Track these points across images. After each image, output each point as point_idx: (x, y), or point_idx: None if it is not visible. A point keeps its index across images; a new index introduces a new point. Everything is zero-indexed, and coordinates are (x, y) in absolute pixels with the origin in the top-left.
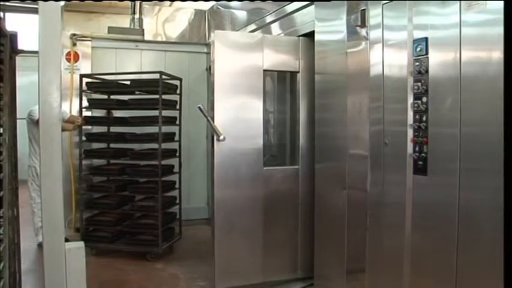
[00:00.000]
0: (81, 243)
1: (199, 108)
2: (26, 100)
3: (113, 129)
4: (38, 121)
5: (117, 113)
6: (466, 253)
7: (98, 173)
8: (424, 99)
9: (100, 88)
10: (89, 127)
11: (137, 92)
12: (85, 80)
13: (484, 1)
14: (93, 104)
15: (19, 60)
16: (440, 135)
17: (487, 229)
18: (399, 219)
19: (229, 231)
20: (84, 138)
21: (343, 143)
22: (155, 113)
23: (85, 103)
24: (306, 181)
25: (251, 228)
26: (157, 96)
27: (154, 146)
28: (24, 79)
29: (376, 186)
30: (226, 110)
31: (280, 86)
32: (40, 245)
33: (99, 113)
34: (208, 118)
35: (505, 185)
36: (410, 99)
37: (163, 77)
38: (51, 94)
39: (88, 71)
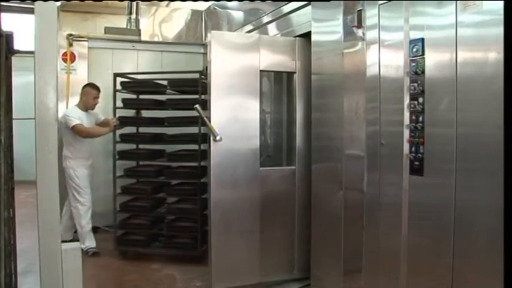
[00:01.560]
0: (77, 244)
1: (195, 108)
2: (22, 101)
3: (143, 129)
4: (73, 127)
5: (148, 114)
6: (462, 253)
7: (134, 175)
8: (421, 99)
9: (135, 88)
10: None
11: (168, 92)
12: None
13: (480, 2)
14: (127, 104)
15: (15, 60)
16: (436, 136)
17: (483, 229)
18: (396, 219)
19: (226, 231)
20: (118, 139)
21: (340, 143)
22: (189, 113)
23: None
24: (303, 181)
25: (248, 228)
26: (196, 96)
27: (191, 147)
28: (20, 79)
29: (372, 187)
30: (222, 110)
31: (276, 86)
32: (87, 252)
33: (127, 113)
34: (205, 118)
35: (505, 185)
36: (406, 100)
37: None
38: (47, 94)
39: (85, 72)
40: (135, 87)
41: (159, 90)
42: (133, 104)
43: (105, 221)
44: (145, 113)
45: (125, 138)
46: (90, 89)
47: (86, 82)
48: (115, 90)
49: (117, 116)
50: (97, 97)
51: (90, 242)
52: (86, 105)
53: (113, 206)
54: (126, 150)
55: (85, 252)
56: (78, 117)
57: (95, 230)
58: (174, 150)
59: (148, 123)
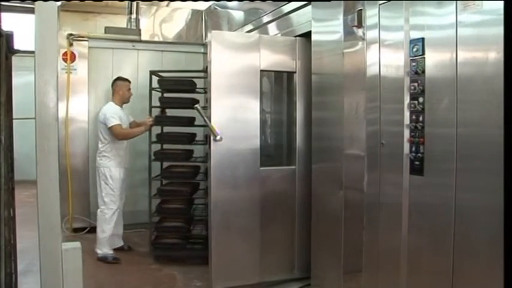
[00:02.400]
0: (78, 244)
1: (196, 108)
2: (22, 100)
3: (168, 129)
4: (111, 127)
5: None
6: (463, 253)
7: (171, 176)
8: (421, 99)
9: (173, 86)
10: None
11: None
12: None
13: (480, 2)
14: (164, 103)
15: (15, 60)
16: (436, 136)
17: (483, 229)
18: (396, 219)
19: (226, 231)
20: (154, 139)
21: (340, 143)
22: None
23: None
24: (303, 181)
25: (248, 228)
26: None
27: None
28: (21, 79)
29: (372, 187)
30: (223, 110)
31: (277, 86)
32: (100, 259)
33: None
34: (205, 118)
35: (505, 185)
36: (406, 100)
37: None
38: (47, 94)
39: (85, 71)
40: (172, 85)
41: (197, 88)
42: (171, 103)
43: None
44: (179, 112)
45: (162, 138)
46: (122, 82)
47: (86, 82)
48: (151, 89)
49: (153, 115)
50: (130, 88)
51: (107, 249)
52: (122, 98)
53: (148, 208)
54: (159, 151)
55: (103, 259)
56: (118, 116)
57: (95, 230)
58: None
59: (184, 122)
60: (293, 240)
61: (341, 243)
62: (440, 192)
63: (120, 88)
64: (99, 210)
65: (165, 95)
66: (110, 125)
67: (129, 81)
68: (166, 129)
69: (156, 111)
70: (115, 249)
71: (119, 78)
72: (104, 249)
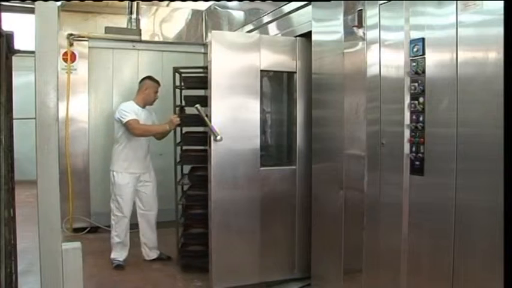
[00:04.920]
0: (78, 244)
1: (196, 108)
2: (22, 100)
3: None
4: (126, 122)
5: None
6: (463, 253)
7: (196, 180)
8: (421, 99)
9: (198, 84)
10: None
11: None
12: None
13: (480, 2)
14: (189, 102)
15: (15, 60)
16: (437, 136)
17: (483, 229)
18: (396, 219)
19: (226, 231)
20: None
21: (340, 143)
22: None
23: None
24: (303, 181)
25: (248, 228)
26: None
27: None
28: (21, 79)
29: (373, 187)
30: (223, 110)
31: (277, 86)
32: (112, 263)
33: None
34: (205, 118)
35: (505, 185)
36: (407, 100)
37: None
38: (47, 94)
39: (85, 71)
40: (197, 82)
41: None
42: (197, 101)
43: (105, 221)
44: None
45: (188, 138)
46: (151, 82)
47: (87, 82)
48: (175, 87)
49: (181, 114)
50: (157, 91)
51: (116, 254)
52: (146, 100)
53: (175, 214)
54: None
55: (110, 263)
56: (135, 113)
57: (95, 230)
58: None
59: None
60: (293, 240)
61: (341, 243)
62: (441, 192)
63: (147, 87)
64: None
65: (186, 92)
66: (124, 121)
67: (159, 84)
68: (185, 129)
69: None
70: (152, 260)
71: (149, 78)
72: (114, 254)
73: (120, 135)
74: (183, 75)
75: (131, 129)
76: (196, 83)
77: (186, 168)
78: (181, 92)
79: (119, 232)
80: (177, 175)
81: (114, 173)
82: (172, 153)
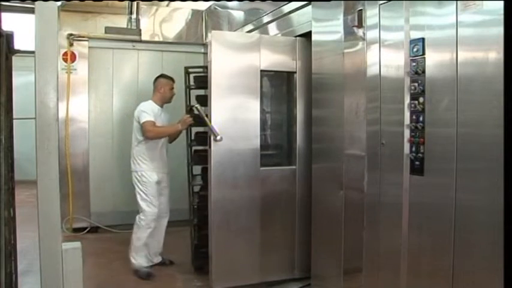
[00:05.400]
0: (78, 244)
1: (195, 108)
2: (22, 100)
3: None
4: (143, 123)
5: None
6: (463, 253)
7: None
8: (421, 99)
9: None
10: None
11: None
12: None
13: (480, 2)
14: (202, 102)
15: (15, 60)
16: (436, 136)
17: (483, 229)
18: (396, 219)
19: (226, 231)
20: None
21: (340, 143)
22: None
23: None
24: (303, 181)
25: (248, 228)
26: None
27: None
28: (21, 79)
29: (373, 187)
30: (223, 110)
31: (277, 86)
32: (137, 271)
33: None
34: (205, 118)
35: (505, 185)
36: (407, 100)
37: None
38: (47, 94)
39: (85, 72)
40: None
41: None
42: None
43: (106, 221)
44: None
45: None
46: (166, 80)
47: (86, 82)
48: (186, 87)
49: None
50: (173, 87)
51: (143, 260)
52: (164, 98)
53: (190, 217)
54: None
55: (136, 271)
56: (154, 114)
57: (95, 230)
58: None
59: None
60: (293, 240)
61: (341, 243)
62: (440, 192)
63: (162, 86)
64: (137, 216)
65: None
66: (141, 122)
67: (173, 80)
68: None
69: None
70: (154, 265)
71: (161, 76)
72: (139, 259)
73: (141, 134)
74: (193, 75)
75: (145, 132)
76: (206, 83)
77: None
78: (190, 91)
79: (148, 233)
80: (190, 175)
81: (143, 172)
82: (174, 154)
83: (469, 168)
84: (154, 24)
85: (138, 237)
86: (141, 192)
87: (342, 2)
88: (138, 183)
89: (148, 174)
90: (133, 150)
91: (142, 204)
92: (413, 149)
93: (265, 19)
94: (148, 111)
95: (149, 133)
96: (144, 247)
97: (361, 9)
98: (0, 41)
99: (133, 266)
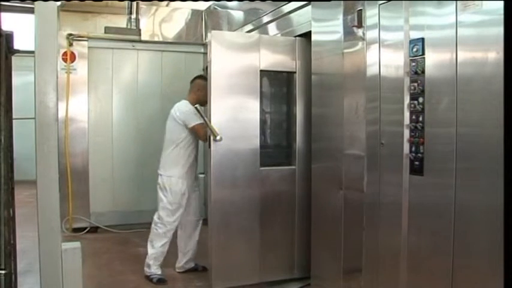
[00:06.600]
0: (78, 244)
1: (195, 108)
2: (22, 100)
3: None
4: (193, 127)
5: None
6: (462, 253)
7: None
8: (421, 99)
9: None
10: None
11: None
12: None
13: (480, 2)
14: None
15: (15, 60)
16: (436, 136)
17: (483, 229)
18: (396, 219)
19: (226, 231)
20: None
21: (340, 143)
22: None
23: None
24: (303, 181)
25: (248, 228)
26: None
27: None
28: (20, 79)
29: (372, 187)
30: (223, 110)
31: (277, 86)
32: (150, 278)
33: None
34: (205, 118)
35: (505, 185)
36: (406, 100)
37: None
38: (47, 94)
39: (85, 71)
40: None
41: None
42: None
43: (105, 221)
44: None
45: None
46: (204, 82)
47: (86, 82)
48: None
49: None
50: None
51: (155, 268)
52: (200, 101)
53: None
54: None
55: (148, 278)
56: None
57: (95, 230)
58: None
59: None
60: (293, 240)
61: (341, 243)
62: (440, 192)
63: (199, 88)
64: (153, 223)
65: None
66: (191, 125)
67: None
68: None
69: None
70: (187, 271)
71: (201, 77)
72: (152, 268)
73: (183, 139)
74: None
75: (199, 135)
76: None
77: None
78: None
79: (164, 242)
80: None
81: (172, 178)
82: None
83: (469, 168)
84: (154, 24)
85: (153, 246)
86: (164, 199)
87: (342, 2)
88: (164, 188)
89: (177, 181)
90: (167, 152)
91: (162, 213)
92: (413, 149)
93: (265, 19)
94: (193, 113)
95: (203, 137)
96: (161, 256)
97: (360, 9)
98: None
99: (146, 274)
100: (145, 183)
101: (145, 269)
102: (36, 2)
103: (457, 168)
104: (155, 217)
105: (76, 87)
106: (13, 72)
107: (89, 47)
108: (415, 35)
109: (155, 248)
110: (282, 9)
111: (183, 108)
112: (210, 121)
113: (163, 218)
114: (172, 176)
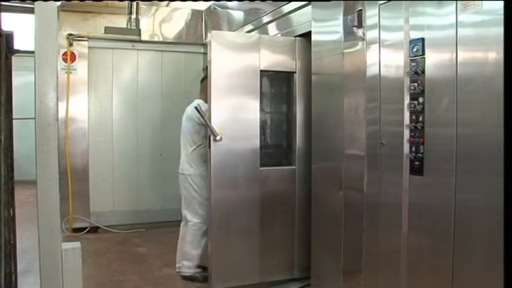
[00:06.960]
0: (78, 244)
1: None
2: (22, 100)
3: None
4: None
5: None
6: (462, 253)
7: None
8: (421, 99)
9: None
10: None
11: None
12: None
13: (480, 2)
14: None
15: (15, 60)
16: (436, 136)
17: (483, 229)
18: (396, 219)
19: (226, 231)
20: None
21: (340, 143)
22: None
23: None
24: (303, 181)
25: (248, 228)
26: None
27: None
28: (20, 79)
29: (372, 187)
30: (223, 110)
31: (277, 86)
32: (187, 278)
33: None
34: (205, 118)
35: (505, 185)
36: (406, 100)
37: None
38: (47, 94)
39: (85, 72)
40: None
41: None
42: None
43: (105, 221)
44: None
45: None
46: None
47: (86, 82)
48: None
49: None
50: None
51: (196, 268)
52: None
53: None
54: None
55: (191, 278)
56: None
57: (95, 230)
58: None
59: None
60: (293, 240)
61: (341, 243)
62: (440, 192)
63: None
64: (190, 223)
65: None
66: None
67: None
68: None
69: None
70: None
71: None
72: (193, 268)
73: (202, 137)
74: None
75: (216, 133)
76: None
77: None
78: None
79: (205, 239)
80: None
81: (198, 177)
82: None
83: (469, 168)
84: (154, 24)
85: (197, 246)
86: (198, 197)
87: (342, 2)
88: (191, 187)
89: (203, 179)
90: (187, 152)
91: (201, 211)
92: (413, 149)
93: (265, 19)
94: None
95: (218, 135)
96: (199, 255)
97: (360, 9)
98: (0, 40)
99: (186, 275)
100: (145, 183)
101: (185, 270)
102: (36, 2)
103: (457, 168)
104: (193, 219)
105: (76, 87)
106: (13, 72)
107: (89, 47)
108: (415, 35)
109: (201, 247)
110: (282, 9)
111: (203, 106)
112: (210, 121)
113: (204, 216)
114: (200, 174)
